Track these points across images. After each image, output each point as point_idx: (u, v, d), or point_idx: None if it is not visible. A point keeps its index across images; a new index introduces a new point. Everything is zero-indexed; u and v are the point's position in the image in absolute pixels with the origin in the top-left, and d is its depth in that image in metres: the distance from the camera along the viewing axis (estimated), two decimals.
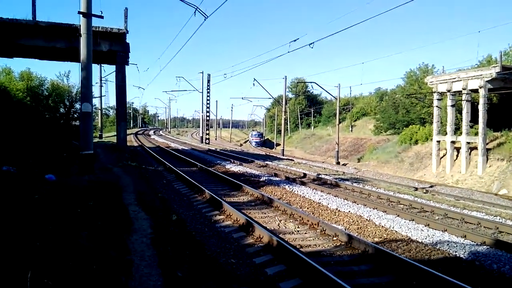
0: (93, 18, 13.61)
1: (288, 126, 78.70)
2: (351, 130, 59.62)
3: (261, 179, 16.58)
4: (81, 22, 13.29)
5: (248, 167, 21.43)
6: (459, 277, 5.88)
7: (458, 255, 7.44)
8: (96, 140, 35.21)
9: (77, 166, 13.13)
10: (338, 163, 37.43)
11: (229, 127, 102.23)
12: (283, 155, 40.50)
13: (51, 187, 9.80)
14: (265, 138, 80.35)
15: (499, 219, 10.86)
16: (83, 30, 13.28)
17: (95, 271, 4.74)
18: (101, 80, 47.26)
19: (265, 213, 10.40)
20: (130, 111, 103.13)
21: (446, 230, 9.12)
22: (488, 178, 25.16)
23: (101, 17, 14.34)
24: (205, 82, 47.31)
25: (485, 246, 8.00)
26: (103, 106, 55.32)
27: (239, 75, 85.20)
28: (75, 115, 27.82)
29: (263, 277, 5.89)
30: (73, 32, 17.64)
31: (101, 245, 5.69)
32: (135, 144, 40.81)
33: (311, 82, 64.48)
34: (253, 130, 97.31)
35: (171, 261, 5.49)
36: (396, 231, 9.00)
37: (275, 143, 61.04)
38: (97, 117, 47.38)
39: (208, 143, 48.65)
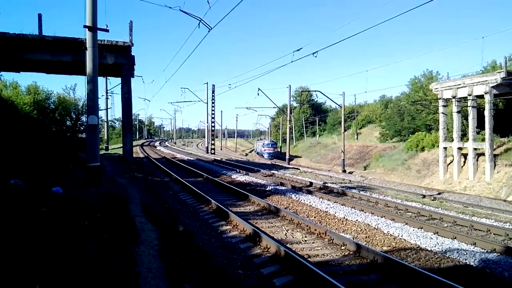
0: (98, 31, 13.78)
1: (293, 135, 78.58)
2: (357, 138, 59.45)
3: (267, 189, 16.53)
4: (87, 36, 13.44)
5: (254, 176, 21.39)
6: (470, 285, 5.80)
7: (468, 263, 7.33)
8: (102, 152, 35.39)
9: (84, 179, 13.17)
10: (344, 171, 37.29)
11: (234, 137, 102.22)
12: (288, 164, 40.43)
13: (58, 200, 9.82)
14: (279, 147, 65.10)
15: (509, 225, 10.74)
16: (88, 44, 13.43)
17: (102, 283, 4.73)
18: (107, 92, 47.66)
19: (271, 223, 10.35)
20: (136, 122, 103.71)
21: (455, 238, 9.01)
22: (496, 184, 24.91)
23: (107, 30, 14.51)
24: (209, 92, 47.60)
25: (495, 254, 7.89)
26: (109, 118, 55.72)
27: (244, 85, 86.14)
28: (82, 128, 28.06)
29: None
30: (78, 46, 17.84)
31: (108, 257, 5.68)
32: (141, 155, 40.96)
33: (315, 91, 63.92)
34: (260, 139, 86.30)
35: (178, 273, 5.46)
36: (404, 240, 8.90)
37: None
38: (103, 129, 47.68)
39: (214, 153, 48.72)
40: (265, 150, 59.51)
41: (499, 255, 7.80)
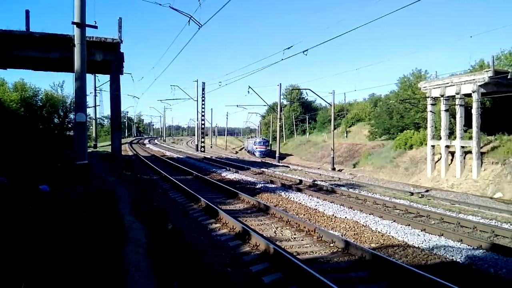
0: (87, 28, 13.62)
1: (284, 132, 78.81)
2: (346, 136, 59.79)
3: (257, 186, 16.55)
4: (75, 32, 13.28)
5: (244, 174, 21.39)
6: (456, 281, 5.86)
7: (455, 260, 7.44)
8: (90, 150, 35.04)
9: (72, 176, 13.03)
10: (333, 169, 37.48)
11: (224, 135, 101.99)
12: (278, 162, 40.50)
13: (45, 198, 9.71)
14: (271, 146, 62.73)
15: (495, 222, 10.91)
16: (77, 40, 13.27)
17: (90, 282, 4.68)
18: (95, 89, 47.18)
19: (261, 221, 10.36)
20: (124, 120, 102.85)
21: (442, 235, 9.13)
22: (483, 182, 25.27)
23: (95, 27, 14.35)
24: (199, 90, 47.41)
25: (481, 250, 8.01)
26: (97, 116, 55.16)
27: (234, 83, 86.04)
28: (69, 125, 27.80)
29: (260, 286, 5.84)
30: (67, 43, 17.62)
31: (96, 255, 5.63)
32: (130, 153, 40.64)
33: (305, 89, 64.51)
34: (251, 137, 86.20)
35: (166, 271, 5.44)
36: (392, 237, 8.99)
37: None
38: (91, 127, 47.19)
39: (204, 151, 48.59)
40: (256, 148, 58.01)
41: (485, 251, 7.92)
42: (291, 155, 61.71)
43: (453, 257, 7.54)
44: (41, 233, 6.50)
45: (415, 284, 5.82)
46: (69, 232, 6.69)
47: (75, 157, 13.23)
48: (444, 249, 8.00)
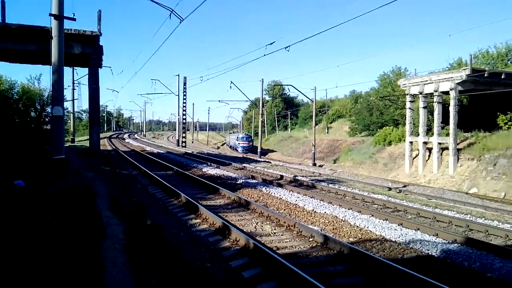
0: (65, 20, 13.32)
1: (265, 128, 78.91)
2: (327, 132, 60.38)
3: (238, 182, 16.54)
4: (53, 24, 12.97)
5: (225, 170, 21.34)
6: (431, 275, 5.99)
7: (430, 254, 7.61)
8: (68, 144, 34.32)
9: (48, 172, 12.75)
10: (314, 164, 37.85)
11: (206, 130, 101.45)
12: (260, 157, 40.58)
13: (21, 193, 9.48)
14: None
15: (470, 217, 11.18)
16: (54, 33, 12.95)
17: (66, 279, 4.60)
18: (73, 83, 46.15)
19: (241, 216, 10.36)
20: (104, 114, 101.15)
21: (418, 229, 9.30)
22: (459, 178, 25.95)
23: (73, 19, 14.06)
24: (181, 85, 47.04)
25: (456, 244, 8.20)
26: (75, 110, 54.01)
27: (216, 78, 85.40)
28: (47, 119, 27.09)
29: (240, 281, 5.85)
30: (44, 35, 17.16)
31: (73, 252, 5.53)
32: (109, 148, 40.01)
33: (287, 85, 64.36)
34: (233, 132, 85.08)
35: (145, 267, 5.39)
36: (370, 231, 9.13)
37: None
38: (69, 121, 46.21)
39: (185, 146, 48.26)
40: (239, 143, 57.24)
41: (460, 245, 8.11)
42: (273, 150, 61.93)
43: (428, 251, 7.71)
44: (15, 230, 6.35)
45: (392, 277, 5.93)
46: (45, 229, 6.55)
47: (52, 151, 12.95)
48: (420, 243, 8.17)
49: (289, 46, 16.80)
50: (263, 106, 48.24)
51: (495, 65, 34.50)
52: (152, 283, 4.94)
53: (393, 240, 8.44)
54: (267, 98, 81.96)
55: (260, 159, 36.14)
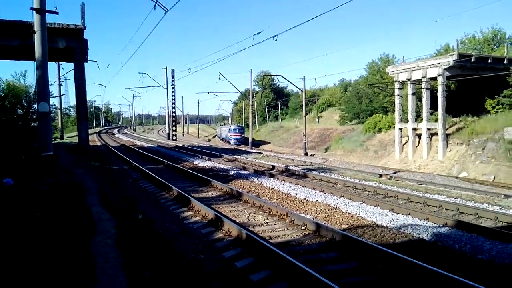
0: (48, 14, 13.09)
1: (256, 119, 78.76)
2: (318, 121, 60.45)
3: (230, 173, 16.51)
4: (35, 18, 12.75)
5: (217, 162, 21.30)
6: (423, 258, 6.06)
7: (421, 237, 7.68)
8: (57, 141, 33.94)
9: (37, 169, 12.59)
10: (306, 154, 37.93)
11: (196, 123, 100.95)
12: (251, 148, 40.56)
13: (9, 191, 9.34)
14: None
15: (460, 200, 11.30)
16: (37, 27, 12.73)
17: (57, 276, 4.55)
18: (59, 78, 45.40)
19: (234, 207, 10.36)
20: (92, 109, 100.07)
21: (409, 214, 9.40)
22: (448, 162, 26.22)
23: (56, 13, 13.81)
24: (169, 77, 46.65)
25: (447, 228, 8.30)
26: (63, 106, 53.32)
27: (205, 70, 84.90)
28: (34, 116, 26.67)
29: (233, 271, 5.85)
30: (27, 29, 16.83)
31: (63, 249, 5.47)
32: (99, 143, 39.62)
33: (277, 75, 64.03)
34: (224, 124, 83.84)
35: (137, 262, 5.35)
36: (362, 217, 9.19)
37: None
38: (57, 117, 45.58)
39: (175, 140, 48.02)
40: (232, 135, 55.83)
41: (450, 229, 8.21)
42: (265, 141, 61.86)
43: (420, 235, 7.79)
44: (4, 228, 6.25)
45: (384, 262, 5.98)
46: (35, 226, 6.47)
47: (40, 148, 12.80)
48: (411, 227, 8.25)
49: (276, 35, 16.72)
50: (253, 97, 48.10)
51: (481, 50, 34.78)
52: (145, 276, 4.92)
53: (385, 225, 8.51)
54: (256, 89, 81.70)
55: (252, 150, 36.13)
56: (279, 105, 79.62)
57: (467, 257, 6.65)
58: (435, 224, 8.56)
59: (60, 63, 41.07)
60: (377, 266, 5.96)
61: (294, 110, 73.18)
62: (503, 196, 13.65)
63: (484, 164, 23.79)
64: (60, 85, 45.96)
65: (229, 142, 55.55)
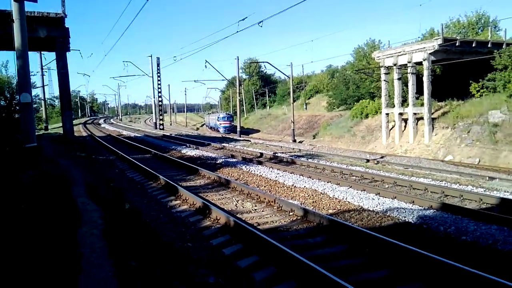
0: (27, 2, 12.74)
1: (244, 107, 78.48)
2: (306, 108, 60.50)
3: (218, 162, 16.48)
4: (13, 6, 12.36)
5: (205, 150, 21.22)
6: (408, 240, 6.15)
7: (407, 220, 7.79)
8: (41, 132, 33.43)
9: (20, 161, 12.38)
10: (294, 140, 38.06)
11: (184, 112, 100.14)
12: (240, 136, 40.51)
13: None
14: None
15: (445, 183, 11.47)
16: (15, 16, 12.36)
17: (41, 268, 4.49)
18: (42, 68, 44.56)
19: (222, 195, 10.35)
20: (76, 100, 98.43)
21: (395, 198, 9.51)
22: (434, 146, 26.58)
23: (35, 1, 13.49)
24: (154, 66, 46.16)
25: (432, 210, 8.41)
26: (47, 96, 52.42)
27: (190, 57, 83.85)
28: (17, 107, 26.17)
29: (220, 258, 5.87)
30: (5, 18, 16.38)
31: (46, 241, 5.40)
32: (84, 134, 39.15)
33: (264, 62, 63.75)
34: (212, 113, 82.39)
35: (124, 251, 5.31)
36: (349, 202, 9.27)
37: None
38: (41, 108, 44.78)
39: (163, 129, 47.68)
40: (221, 124, 55.52)
41: (435, 211, 8.32)
42: (254, 129, 61.80)
43: (405, 218, 7.90)
44: None
45: (370, 245, 6.05)
46: (18, 219, 6.36)
47: (23, 139, 12.56)
48: (397, 211, 8.35)
49: (261, 21, 16.59)
50: (240, 85, 47.83)
51: (466, 34, 34.98)
52: (131, 265, 4.89)
53: (371, 209, 8.60)
54: (244, 76, 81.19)
55: (240, 138, 36.11)
56: (267, 92, 79.38)
57: (452, 238, 6.76)
58: (421, 207, 8.67)
59: (42, 52, 40.30)
60: (363, 250, 6.04)
61: (282, 97, 73.04)
62: (487, 178, 13.90)
63: (469, 147, 24.18)
64: (43, 75, 45.16)
65: (218, 131, 55.09)
